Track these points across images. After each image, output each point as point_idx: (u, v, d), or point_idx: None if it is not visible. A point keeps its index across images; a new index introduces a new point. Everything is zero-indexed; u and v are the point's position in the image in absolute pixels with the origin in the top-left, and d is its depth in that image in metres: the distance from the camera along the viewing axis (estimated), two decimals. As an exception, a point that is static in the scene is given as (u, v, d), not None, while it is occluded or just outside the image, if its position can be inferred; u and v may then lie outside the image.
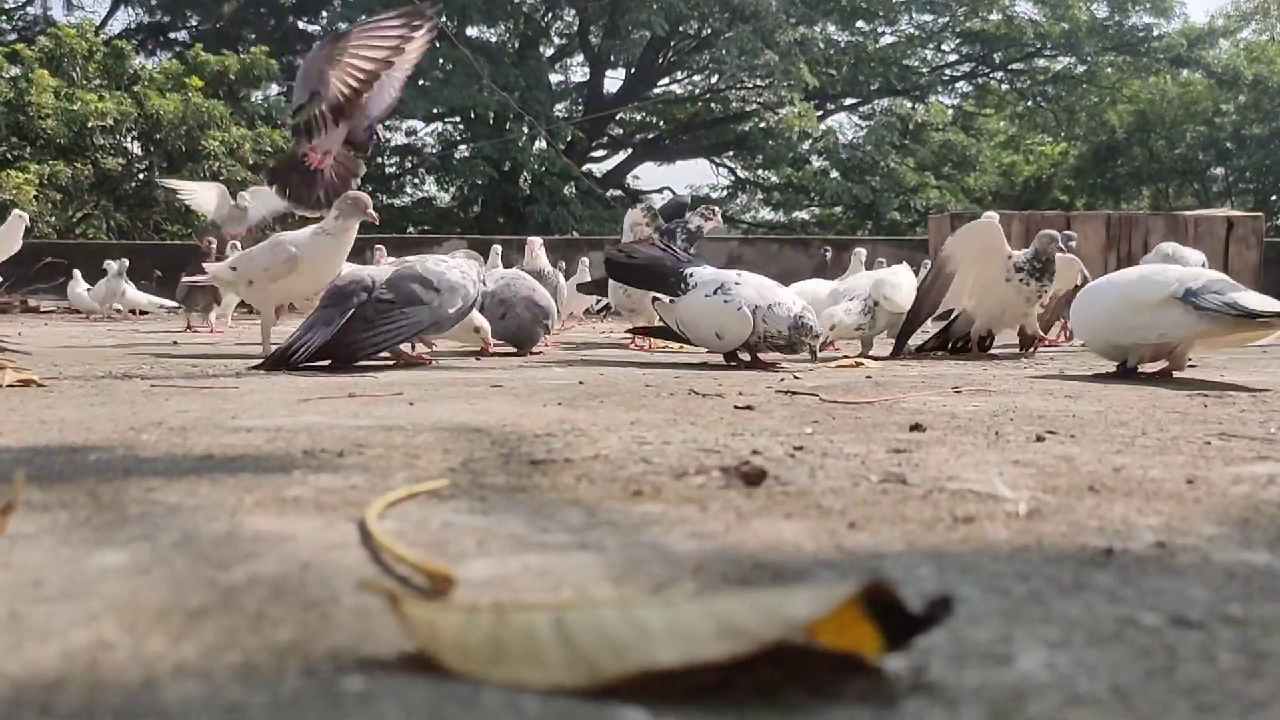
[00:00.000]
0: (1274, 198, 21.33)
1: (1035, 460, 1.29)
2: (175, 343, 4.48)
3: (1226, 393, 2.27)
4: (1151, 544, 0.85)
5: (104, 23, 19.73)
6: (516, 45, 21.12)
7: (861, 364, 3.08)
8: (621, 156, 22.76)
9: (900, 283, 3.87)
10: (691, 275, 3.20)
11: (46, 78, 13.69)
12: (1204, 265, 4.26)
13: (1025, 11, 21.52)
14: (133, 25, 20.90)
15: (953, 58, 22.69)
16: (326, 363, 2.84)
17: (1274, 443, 1.47)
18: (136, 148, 15.03)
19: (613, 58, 21.47)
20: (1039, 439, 1.48)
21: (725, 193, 22.31)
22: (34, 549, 0.82)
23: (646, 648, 0.55)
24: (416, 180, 21.79)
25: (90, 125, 13.63)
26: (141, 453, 1.33)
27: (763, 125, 20.11)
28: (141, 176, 14.66)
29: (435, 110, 19.66)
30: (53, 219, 14.02)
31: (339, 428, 1.57)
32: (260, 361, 2.92)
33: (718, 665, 0.53)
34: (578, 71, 23.13)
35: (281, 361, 2.81)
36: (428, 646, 0.57)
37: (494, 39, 21.17)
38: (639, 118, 22.78)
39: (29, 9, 20.04)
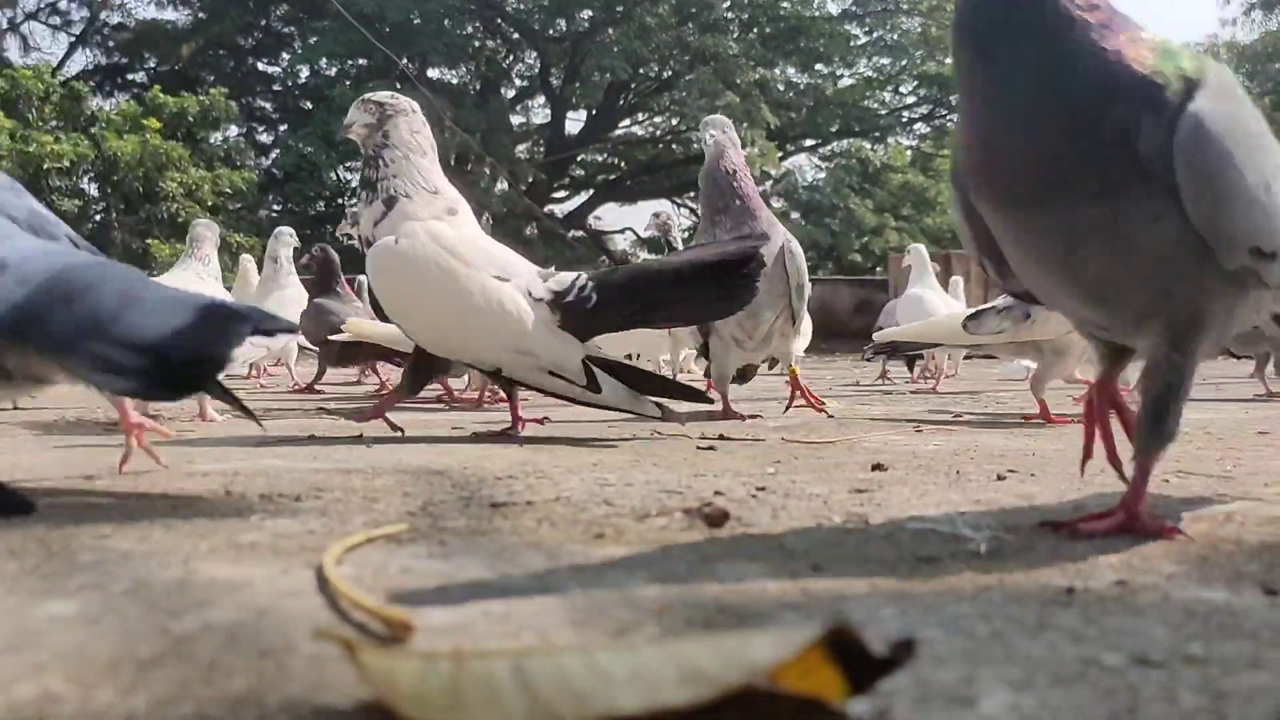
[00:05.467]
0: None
1: (997, 499, 1.29)
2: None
3: (1183, 431, 2.29)
4: (1112, 582, 0.85)
5: (61, 64, 19.64)
6: (478, 87, 21.19)
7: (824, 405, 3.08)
8: (583, 197, 22.84)
9: None
10: None
11: (1, 120, 13.59)
12: None
13: (980, 55, 21.85)
14: (90, 66, 20.81)
15: (911, 100, 22.98)
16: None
17: (1231, 480, 1.48)
18: (93, 189, 14.93)
19: (574, 100, 21.60)
20: (1000, 478, 1.49)
21: (687, 233, 22.40)
22: (-20, 599, 0.80)
23: (608, 694, 0.54)
24: (378, 220, 21.75)
25: (46, 167, 13.53)
26: (94, 499, 1.30)
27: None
28: (98, 219, 14.54)
29: (397, 151, 19.64)
30: (7, 261, 13.83)
31: (297, 471, 1.56)
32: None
33: (681, 711, 0.52)
34: (539, 113, 23.25)
35: None
36: (385, 695, 0.56)
37: (455, 81, 21.25)
38: (600, 159, 22.89)
39: (-15, 50, 19.90)
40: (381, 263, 2.18)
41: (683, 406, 2.35)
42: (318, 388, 4.43)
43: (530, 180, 20.28)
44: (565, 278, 2.26)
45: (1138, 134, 0.96)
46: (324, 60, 20.06)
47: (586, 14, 20.32)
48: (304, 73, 20.87)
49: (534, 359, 2.18)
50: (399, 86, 18.06)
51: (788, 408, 2.91)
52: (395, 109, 2.26)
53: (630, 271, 2.44)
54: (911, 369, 5.22)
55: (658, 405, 2.24)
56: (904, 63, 22.02)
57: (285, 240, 4.41)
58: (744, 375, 3.12)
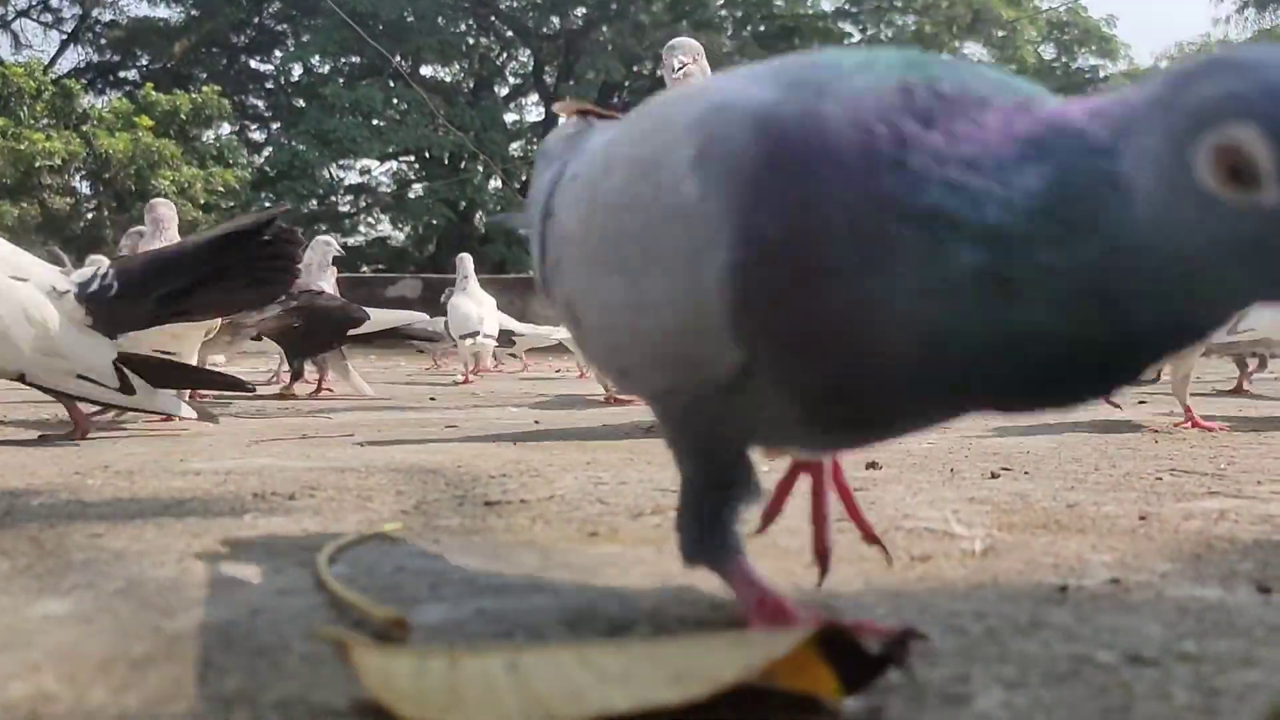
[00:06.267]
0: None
1: (990, 497, 1.29)
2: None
3: (1177, 429, 2.30)
4: (1106, 580, 0.85)
5: (53, 61, 19.54)
6: (471, 85, 21.16)
7: None
8: (577, 196, 22.78)
9: None
10: None
11: (-7, 117, 13.54)
12: None
13: (973, 52, 21.88)
14: (82, 64, 20.72)
15: (904, 98, 22.97)
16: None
17: (1224, 478, 1.49)
18: (85, 188, 14.86)
19: (568, 98, 21.57)
20: (994, 476, 1.49)
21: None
22: (-27, 598, 0.80)
23: (602, 693, 0.54)
24: (371, 220, 21.69)
25: (37, 165, 13.47)
26: (87, 497, 1.30)
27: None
28: (90, 217, 14.48)
29: (389, 150, 19.62)
30: (-1, 259, 13.80)
31: (290, 470, 1.55)
32: None
33: (676, 709, 0.52)
34: (533, 111, 23.18)
35: None
36: (380, 694, 0.56)
37: (448, 79, 21.22)
38: (594, 157, 22.82)
39: (-25, 48, 19.83)
40: None
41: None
42: None
43: (524, 179, 20.25)
44: (87, 270, 2.15)
45: None
46: (317, 58, 20.00)
47: (580, 12, 20.30)
48: (297, 70, 20.80)
49: (63, 361, 2.05)
50: (392, 84, 18.03)
51: None
52: None
53: (151, 255, 2.32)
54: None
55: (195, 407, 2.20)
56: (897, 60, 22.02)
57: (320, 248, 4.39)
58: None
